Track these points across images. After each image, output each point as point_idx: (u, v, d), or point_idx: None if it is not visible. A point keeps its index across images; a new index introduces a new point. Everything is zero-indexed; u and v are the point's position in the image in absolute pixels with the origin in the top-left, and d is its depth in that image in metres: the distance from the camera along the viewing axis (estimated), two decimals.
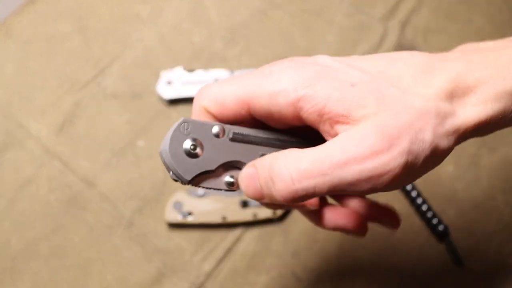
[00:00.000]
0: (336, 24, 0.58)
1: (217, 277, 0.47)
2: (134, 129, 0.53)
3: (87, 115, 0.53)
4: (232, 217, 0.48)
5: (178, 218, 0.48)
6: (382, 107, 0.24)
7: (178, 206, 0.48)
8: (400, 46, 0.57)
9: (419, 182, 0.50)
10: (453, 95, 0.26)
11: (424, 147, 0.25)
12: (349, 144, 0.24)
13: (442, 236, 0.47)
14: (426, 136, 0.25)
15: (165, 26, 0.58)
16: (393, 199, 0.50)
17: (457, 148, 0.52)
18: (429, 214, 0.48)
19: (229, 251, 0.48)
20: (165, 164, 0.26)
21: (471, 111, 0.26)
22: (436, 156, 0.26)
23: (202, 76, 0.54)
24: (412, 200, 0.49)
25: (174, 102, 0.54)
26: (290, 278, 0.47)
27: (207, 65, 0.56)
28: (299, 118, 0.25)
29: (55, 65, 0.56)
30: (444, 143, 0.26)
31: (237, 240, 0.48)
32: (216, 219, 0.48)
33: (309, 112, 0.25)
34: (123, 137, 0.52)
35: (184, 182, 0.25)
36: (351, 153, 0.23)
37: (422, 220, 0.49)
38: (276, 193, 0.24)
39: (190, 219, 0.48)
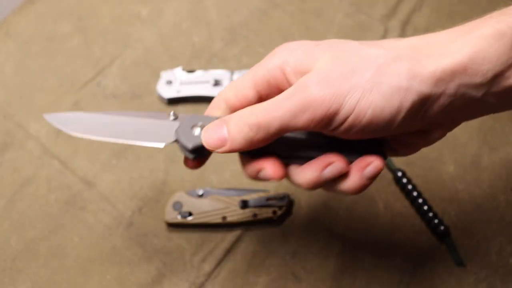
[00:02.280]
0: (336, 24, 0.58)
1: (217, 277, 0.47)
2: None
3: None
4: (232, 217, 0.48)
5: (178, 218, 0.47)
6: (332, 53, 0.29)
7: (178, 206, 0.48)
8: None
9: (419, 182, 0.50)
10: (415, 50, 0.28)
11: (361, 82, 0.28)
12: (287, 91, 0.29)
13: (443, 236, 0.47)
14: (365, 74, 0.28)
15: (165, 26, 0.58)
16: (394, 199, 0.50)
17: (458, 148, 0.53)
18: (430, 215, 0.48)
19: (229, 251, 0.48)
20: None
21: (433, 60, 0.28)
22: (382, 91, 0.28)
23: (202, 77, 0.54)
24: (413, 200, 0.49)
25: (174, 102, 0.54)
26: (290, 278, 0.47)
27: (207, 65, 0.56)
28: (288, 81, 0.31)
29: (55, 65, 0.56)
30: (392, 81, 0.28)
31: (237, 240, 0.48)
32: (216, 219, 0.47)
33: (288, 71, 0.30)
34: None
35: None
36: (286, 94, 0.29)
37: (423, 220, 0.49)
38: (236, 133, 0.30)
39: (190, 219, 0.47)
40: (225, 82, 0.54)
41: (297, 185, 0.33)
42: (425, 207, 0.48)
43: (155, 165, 0.51)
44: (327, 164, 0.31)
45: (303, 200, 0.50)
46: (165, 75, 0.54)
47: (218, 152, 0.32)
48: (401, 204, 0.49)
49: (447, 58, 0.28)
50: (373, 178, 0.33)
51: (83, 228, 0.48)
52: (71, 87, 0.55)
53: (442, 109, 0.29)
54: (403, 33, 0.58)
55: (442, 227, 0.47)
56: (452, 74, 0.28)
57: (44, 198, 0.49)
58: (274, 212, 0.48)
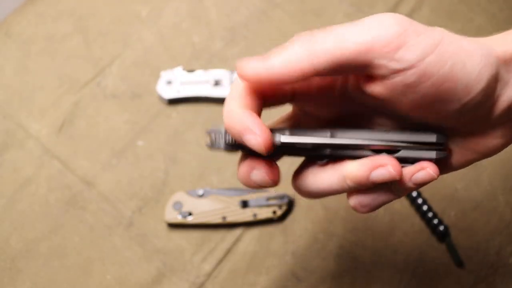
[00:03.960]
0: (336, 24, 0.58)
1: (217, 277, 0.47)
2: (134, 129, 0.53)
3: (87, 115, 0.53)
4: (232, 217, 0.48)
5: (178, 218, 0.48)
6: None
7: (178, 206, 0.48)
8: None
9: None
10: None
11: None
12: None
13: (443, 236, 0.47)
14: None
15: (165, 26, 0.58)
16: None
17: None
18: (430, 215, 0.48)
19: (229, 251, 0.48)
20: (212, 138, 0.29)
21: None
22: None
23: (202, 76, 0.54)
24: (413, 200, 0.49)
25: (174, 102, 0.54)
26: (290, 278, 0.47)
27: (207, 65, 0.56)
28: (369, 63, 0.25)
29: (55, 65, 0.56)
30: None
31: (237, 240, 0.48)
32: (216, 219, 0.48)
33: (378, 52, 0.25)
34: (123, 137, 0.52)
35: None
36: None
37: (422, 220, 0.49)
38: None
39: (190, 219, 0.48)
40: (225, 82, 0.54)
41: (310, 191, 0.29)
42: (425, 207, 0.48)
43: (155, 165, 0.51)
44: (378, 166, 0.26)
45: (303, 200, 0.50)
46: (165, 75, 0.54)
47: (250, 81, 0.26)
48: (401, 204, 0.49)
49: None
50: (421, 185, 0.27)
51: (83, 228, 0.48)
52: (71, 87, 0.55)
53: (509, 103, 0.26)
54: None
55: (441, 227, 0.47)
56: None
57: (44, 198, 0.49)
58: (274, 212, 0.48)
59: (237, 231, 0.48)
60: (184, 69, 0.55)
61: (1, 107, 0.54)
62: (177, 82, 0.54)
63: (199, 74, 0.54)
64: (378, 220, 0.49)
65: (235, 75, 0.54)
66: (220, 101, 0.54)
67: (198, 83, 0.54)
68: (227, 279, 0.47)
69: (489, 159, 0.52)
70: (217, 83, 0.53)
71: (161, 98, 0.54)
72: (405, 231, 0.48)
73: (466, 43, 0.26)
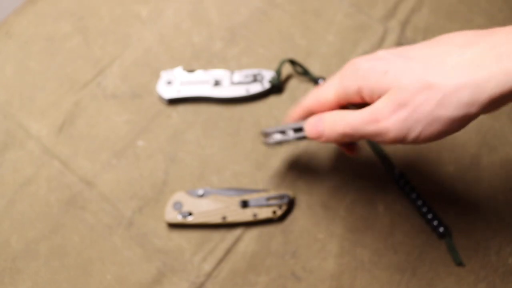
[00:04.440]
0: (336, 24, 0.58)
1: (217, 277, 0.47)
2: (134, 129, 0.53)
3: (87, 115, 0.53)
4: (232, 217, 0.48)
5: (178, 218, 0.48)
6: (398, 85, 0.33)
7: (178, 206, 0.48)
8: (401, 45, 0.57)
9: (419, 182, 0.50)
10: (480, 66, 0.31)
11: (422, 116, 0.33)
12: (366, 113, 0.36)
13: (443, 236, 0.47)
14: (426, 108, 0.32)
15: (165, 26, 0.58)
16: (393, 199, 0.50)
17: (457, 148, 0.53)
18: (430, 215, 0.48)
19: (229, 251, 0.48)
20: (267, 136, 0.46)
21: (494, 83, 0.31)
22: (441, 123, 0.33)
23: (202, 77, 0.54)
24: (413, 200, 0.49)
25: (174, 102, 0.54)
26: (290, 278, 0.47)
27: (207, 65, 0.56)
28: (362, 97, 0.37)
29: (55, 65, 0.56)
30: (452, 113, 0.32)
31: (237, 240, 0.48)
32: (216, 219, 0.48)
33: (364, 95, 0.36)
34: (123, 137, 0.52)
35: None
36: (366, 118, 0.35)
37: (422, 220, 0.49)
38: (329, 134, 0.39)
39: (190, 219, 0.48)
40: (225, 82, 0.54)
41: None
42: (425, 207, 0.48)
43: (155, 165, 0.51)
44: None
45: (303, 200, 0.50)
46: (165, 75, 0.54)
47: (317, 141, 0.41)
48: (401, 204, 0.49)
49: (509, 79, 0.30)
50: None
51: (83, 228, 0.48)
52: (72, 87, 0.55)
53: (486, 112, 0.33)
54: (402, 34, 0.58)
55: (441, 227, 0.47)
56: (509, 95, 0.31)
57: (44, 198, 0.49)
58: (274, 212, 0.48)
59: (237, 231, 0.48)
60: (184, 69, 0.55)
61: (1, 107, 0.54)
62: (177, 82, 0.54)
63: (199, 74, 0.54)
64: (378, 220, 0.49)
65: (235, 75, 0.54)
66: (220, 101, 0.54)
67: (198, 83, 0.54)
68: (227, 279, 0.47)
69: (489, 159, 0.52)
70: (217, 83, 0.53)
71: (161, 98, 0.54)
72: (405, 231, 0.48)
73: (445, 118, 0.33)
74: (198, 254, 0.48)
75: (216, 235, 0.48)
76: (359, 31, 0.58)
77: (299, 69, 0.55)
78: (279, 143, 0.44)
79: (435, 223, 0.47)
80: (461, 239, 0.48)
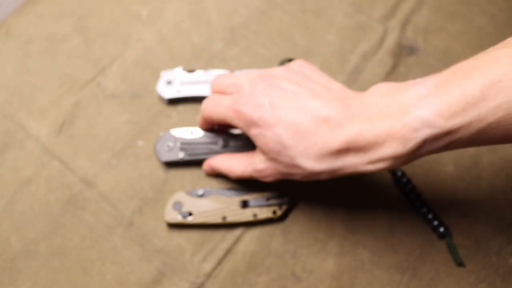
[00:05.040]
0: (336, 24, 0.58)
1: (217, 277, 0.47)
2: (134, 129, 0.53)
3: (87, 115, 0.53)
4: (232, 217, 0.48)
5: (178, 218, 0.48)
6: (273, 156, 0.41)
7: (178, 206, 0.48)
8: (401, 46, 0.57)
9: (419, 182, 0.50)
10: (342, 153, 0.38)
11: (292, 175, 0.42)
12: (248, 166, 0.45)
13: (443, 236, 0.47)
14: (295, 177, 0.42)
15: (165, 26, 0.58)
16: (393, 199, 0.50)
17: None
18: (430, 216, 0.48)
19: (229, 251, 0.48)
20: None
21: (346, 169, 0.39)
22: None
23: (202, 77, 0.54)
24: (413, 201, 0.49)
25: (174, 102, 0.54)
26: (290, 278, 0.47)
27: (207, 65, 0.56)
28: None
29: (55, 65, 0.56)
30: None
31: (237, 240, 0.48)
32: (216, 219, 0.47)
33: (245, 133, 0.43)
34: (123, 137, 0.52)
35: None
36: (248, 171, 0.45)
37: (422, 220, 0.49)
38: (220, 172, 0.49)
39: (190, 219, 0.47)
40: None
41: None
42: (425, 208, 0.48)
43: (155, 165, 0.51)
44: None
45: (303, 200, 0.50)
46: (165, 75, 0.54)
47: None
48: (401, 204, 0.49)
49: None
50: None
51: (83, 228, 0.48)
52: (71, 87, 0.55)
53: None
54: (403, 34, 0.58)
55: (441, 227, 0.47)
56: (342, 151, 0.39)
57: (44, 198, 0.49)
58: (274, 212, 0.48)
59: (237, 231, 0.48)
60: (184, 69, 0.55)
61: (1, 107, 0.54)
62: (177, 82, 0.54)
63: (199, 74, 0.54)
64: (379, 220, 0.49)
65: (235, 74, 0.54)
66: None
67: (198, 83, 0.54)
68: (227, 279, 0.47)
69: (489, 159, 0.52)
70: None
71: (161, 98, 0.54)
72: (405, 231, 0.48)
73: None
74: (198, 254, 0.48)
75: (216, 235, 0.48)
76: (359, 31, 0.58)
77: None
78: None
79: (435, 223, 0.47)
80: (461, 239, 0.48)
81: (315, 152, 0.38)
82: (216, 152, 0.50)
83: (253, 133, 0.41)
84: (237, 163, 0.46)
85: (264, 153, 0.42)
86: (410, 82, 0.37)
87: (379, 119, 0.36)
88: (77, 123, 0.53)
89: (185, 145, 0.50)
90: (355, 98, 0.39)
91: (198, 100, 0.54)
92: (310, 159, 0.38)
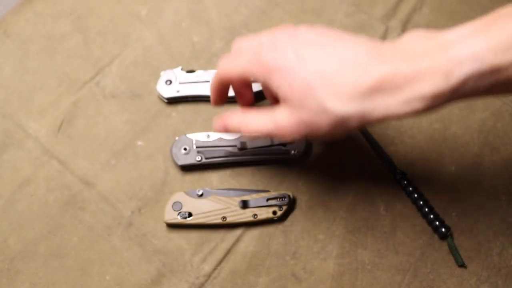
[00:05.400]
0: (336, 24, 0.58)
1: (217, 278, 0.46)
2: (133, 129, 0.52)
3: (86, 115, 0.53)
4: (232, 218, 0.47)
5: (177, 218, 0.47)
6: (300, 104, 0.37)
7: (177, 206, 0.48)
8: None
9: (420, 182, 0.50)
10: (373, 94, 0.34)
11: (314, 131, 0.37)
12: (269, 121, 0.40)
13: (444, 237, 0.47)
14: (322, 127, 0.37)
15: (164, 26, 0.58)
16: (395, 199, 0.49)
17: (459, 148, 0.53)
18: (432, 215, 0.47)
19: (229, 251, 0.47)
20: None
21: (378, 112, 0.35)
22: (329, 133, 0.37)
23: (202, 76, 0.54)
24: (414, 201, 0.48)
25: (173, 101, 0.54)
26: (290, 279, 0.46)
27: (206, 65, 0.56)
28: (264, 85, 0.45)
29: (54, 65, 0.55)
30: (341, 133, 0.37)
31: (237, 240, 0.48)
32: (216, 219, 0.47)
33: (267, 86, 0.40)
34: (122, 137, 0.52)
35: None
36: (269, 126, 0.40)
37: (424, 220, 0.48)
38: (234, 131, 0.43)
39: (189, 220, 0.47)
40: None
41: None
42: (426, 208, 0.48)
43: (155, 165, 0.51)
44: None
45: (303, 200, 0.49)
46: (165, 75, 0.54)
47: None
48: (402, 204, 0.49)
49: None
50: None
51: (82, 228, 0.48)
52: (70, 87, 0.54)
53: None
54: (403, 33, 0.57)
55: (443, 228, 0.47)
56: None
57: (43, 198, 0.49)
58: (274, 212, 0.48)
59: (237, 232, 0.48)
60: (183, 69, 0.54)
61: (0, 107, 0.53)
62: (176, 81, 0.53)
63: (199, 74, 0.54)
64: (379, 220, 0.48)
65: None
66: None
67: (198, 82, 0.53)
68: (227, 280, 0.46)
69: (491, 159, 0.52)
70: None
71: (160, 98, 0.54)
72: (406, 231, 0.48)
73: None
74: (198, 254, 0.47)
75: (216, 235, 0.48)
76: (360, 30, 0.58)
77: None
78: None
79: (437, 223, 0.47)
80: (463, 240, 0.48)
81: (345, 91, 0.34)
82: (234, 156, 0.50)
83: (275, 80, 0.37)
84: (255, 119, 0.41)
85: (288, 102, 0.37)
86: (447, 29, 0.34)
87: (417, 57, 0.33)
88: (76, 123, 0.53)
89: (201, 148, 0.50)
90: (386, 43, 0.35)
91: (197, 100, 0.54)
92: (340, 100, 0.35)
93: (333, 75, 0.35)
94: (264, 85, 0.42)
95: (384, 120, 0.35)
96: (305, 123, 0.37)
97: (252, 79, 0.40)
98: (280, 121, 0.38)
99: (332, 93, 0.35)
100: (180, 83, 0.53)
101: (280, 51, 0.37)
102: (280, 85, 0.37)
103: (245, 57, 0.40)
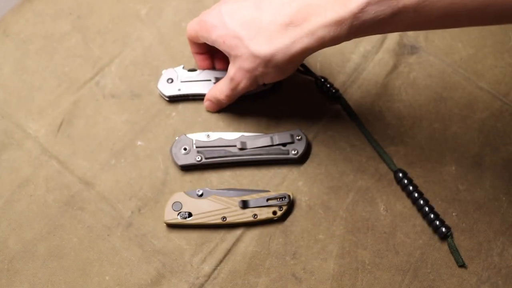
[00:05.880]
0: None
1: (217, 278, 0.46)
2: (133, 129, 0.52)
3: (85, 114, 0.53)
4: (232, 218, 0.47)
5: (177, 218, 0.47)
6: (235, 54, 0.45)
7: (177, 206, 0.48)
8: (402, 45, 0.57)
9: (420, 182, 0.50)
10: (291, 24, 0.41)
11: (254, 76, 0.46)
12: (225, 78, 0.49)
13: (445, 237, 0.47)
14: (257, 69, 0.45)
15: (164, 25, 0.58)
16: (395, 199, 0.49)
17: (460, 148, 0.52)
18: (432, 215, 0.47)
19: (228, 252, 0.47)
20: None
21: (297, 45, 0.41)
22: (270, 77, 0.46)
23: (203, 76, 0.54)
24: (414, 201, 0.48)
25: (174, 99, 0.53)
26: (290, 279, 0.46)
27: None
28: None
29: (53, 64, 0.55)
30: (274, 76, 0.46)
31: (237, 241, 0.48)
32: (215, 219, 0.47)
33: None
34: (122, 137, 0.52)
35: None
36: (226, 80, 0.49)
37: (424, 220, 0.48)
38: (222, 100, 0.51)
39: (189, 220, 0.47)
40: None
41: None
42: (427, 208, 0.48)
43: (154, 165, 0.51)
44: None
45: (303, 200, 0.49)
46: (166, 73, 0.54)
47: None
48: (402, 204, 0.49)
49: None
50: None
51: (82, 229, 0.48)
52: (70, 86, 0.54)
53: None
54: (404, 33, 0.57)
55: (443, 228, 0.47)
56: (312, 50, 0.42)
57: (42, 198, 0.49)
58: (274, 213, 0.48)
59: (237, 232, 0.48)
60: (184, 68, 0.54)
61: None
62: (178, 80, 0.53)
63: (200, 73, 0.54)
64: (379, 220, 0.48)
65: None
66: None
67: (199, 81, 0.53)
68: (227, 280, 0.46)
69: (491, 159, 0.52)
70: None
71: (160, 98, 0.53)
72: (406, 231, 0.48)
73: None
74: (198, 255, 0.47)
75: (216, 235, 0.48)
76: None
77: (299, 68, 0.55)
78: None
79: (437, 223, 0.47)
80: (463, 240, 0.48)
81: (264, 33, 0.41)
82: (234, 156, 0.49)
83: (213, 38, 0.45)
84: (220, 84, 0.50)
85: (229, 55, 0.45)
86: None
87: None
88: (75, 123, 0.53)
89: (201, 148, 0.50)
90: None
91: (198, 99, 0.53)
92: (262, 42, 0.42)
93: (253, 21, 0.42)
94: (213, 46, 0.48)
95: (305, 53, 0.41)
96: (244, 69, 0.44)
97: (201, 39, 0.48)
98: (231, 74, 0.46)
99: (254, 37, 0.42)
100: (181, 81, 0.53)
101: (214, 11, 0.45)
102: (217, 41, 0.45)
103: (195, 21, 0.48)
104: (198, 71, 0.54)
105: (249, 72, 0.45)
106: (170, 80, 0.53)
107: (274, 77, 0.45)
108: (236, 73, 0.46)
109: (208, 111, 0.53)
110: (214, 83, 0.53)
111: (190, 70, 0.54)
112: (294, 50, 0.41)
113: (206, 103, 0.52)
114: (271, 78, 0.45)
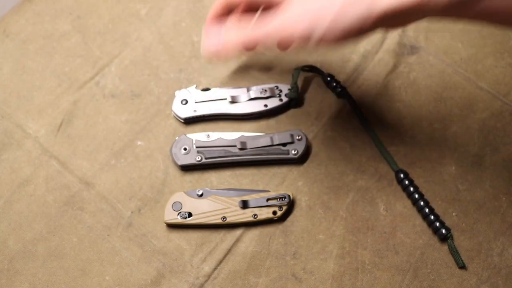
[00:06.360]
0: None
1: (217, 278, 0.46)
2: (133, 129, 0.52)
3: (85, 114, 0.53)
4: (232, 218, 0.47)
5: (177, 218, 0.47)
6: None
7: (177, 206, 0.48)
8: (402, 45, 0.57)
9: (421, 182, 0.50)
10: None
11: (323, 26, 0.37)
12: (278, 23, 0.39)
13: (445, 237, 0.47)
14: (327, 18, 0.37)
15: (164, 25, 0.58)
16: (395, 199, 0.49)
17: (460, 148, 0.52)
18: (432, 216, 0.47)
19: (228, 252, 0.47)
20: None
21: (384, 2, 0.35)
22: (338, 32, 0.37)
23: (218, 94, 0.53)
24: (414, 201, 0.48)
25: (191, 121, 0.52)
26: (290, 279, 0.46)
27: (206, 65, 0.55)
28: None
29: (53, 64, 0.55)
30: (348, 25, 0.37)
31: (237, 241, 0.48)
32: (215, 219, 0.47)
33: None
34: (122, 137, 0.52)
35: None
36: (278, 27, 0.39)
37: (424, 221, 0.48)
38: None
39: (189, 220, 0.47)
40: (242, 98, 0.52)
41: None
42: (427, 209, 0.48)
43: (154, 165, 0.51)
44: None
45: (303, 200, 0.49)
46: (179, 94, 0.52)
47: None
48: (402, 204, 0.49)
49: None
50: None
51: (81, 229, 0.48)
52: (70, 86, 0.54)
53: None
54: (404, 33, 0.57)
55: (443, 229, 0.47)
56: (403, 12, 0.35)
57: (42, 198, 0.49)
58: (274, 213, 0.47)
59: (237, 232, 0.48)
60: (197, 87, 0.53)
61: None
62: (192, 101, 0.52)
63: (213, 92, 0.53)
64: (380, 220, 0.48)
65: (252, 91, 0.52)
66: (238, 118, 0.52)
67: (215, 100, 0.52)
68: (227, 280, 0.46)
69: (491, 159, 0.52)
70: (233, 99, 0.52)
71: (177, 118, 0.53)
72: (406, 232, 0.48)
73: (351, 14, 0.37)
74: (198, 255, 0.47)
75: (216, 235, 0.48)
76: None
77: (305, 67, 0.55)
78: None
79: (437, 224, 0.47)
80: (463, 240, 0.48)
81: None
82: (234, 156, 0.49)
83: None
84: (265, 25, 0.40)
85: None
86: None
87: None
88: (75, 123, 0.53)
89: (201, 148, 0.50)
90: None
91: (215, 119, 0.52)
92: None
93: None
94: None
95: (390, 11, 0.35)
96: (311, 11, 0.38)
97: None
98: (287, 15, 0.39)
99: None
100: (196, 102, 0.52)
101: None
102: None
103: None
104: (212, 90, 0.53)
105: (314, 15, 0.38)
106: (185, 102, 0.52)
107: (332, 36, 0.38)
108: (294, 13, 0.39)
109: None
110: (230, 102, 0.52)
111: (203, 90, 0.53)
112: (382, 5, 0.35)
113: (234, 42, 0.42)
114: (329, 31, 0.37)
